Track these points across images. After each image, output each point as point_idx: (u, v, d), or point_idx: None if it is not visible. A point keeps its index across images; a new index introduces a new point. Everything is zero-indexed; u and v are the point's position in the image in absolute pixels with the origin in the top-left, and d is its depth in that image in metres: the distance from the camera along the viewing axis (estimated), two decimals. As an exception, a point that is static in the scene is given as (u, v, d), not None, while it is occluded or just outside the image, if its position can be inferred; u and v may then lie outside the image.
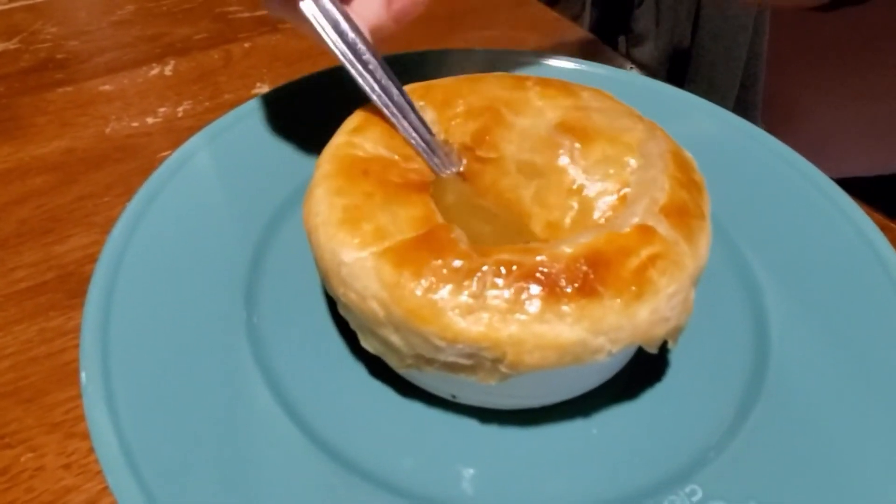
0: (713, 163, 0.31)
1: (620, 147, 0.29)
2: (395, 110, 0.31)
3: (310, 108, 0.42)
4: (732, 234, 0.35)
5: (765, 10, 0.75)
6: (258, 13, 0.58)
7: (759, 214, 0.37)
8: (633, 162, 0.28)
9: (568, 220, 0.28)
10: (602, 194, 0.28)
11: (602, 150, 0.29)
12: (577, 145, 0.29)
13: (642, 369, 0.30)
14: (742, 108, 0.83)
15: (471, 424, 0.28)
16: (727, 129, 0.41)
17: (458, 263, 0.24)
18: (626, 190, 0.28)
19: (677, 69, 0.82)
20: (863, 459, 0.26)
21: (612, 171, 0.28)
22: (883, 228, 0.35)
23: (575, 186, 0.29)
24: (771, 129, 0.41)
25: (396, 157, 0.29)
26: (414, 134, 0.30)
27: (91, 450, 0.28)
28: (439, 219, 0.26)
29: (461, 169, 0.30)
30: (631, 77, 0.47)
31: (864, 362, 0.30)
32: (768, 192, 0.38)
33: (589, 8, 0.84)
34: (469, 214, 0.29)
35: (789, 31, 0.74)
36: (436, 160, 0.30)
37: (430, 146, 0.30)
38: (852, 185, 0.38)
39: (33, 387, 0.31)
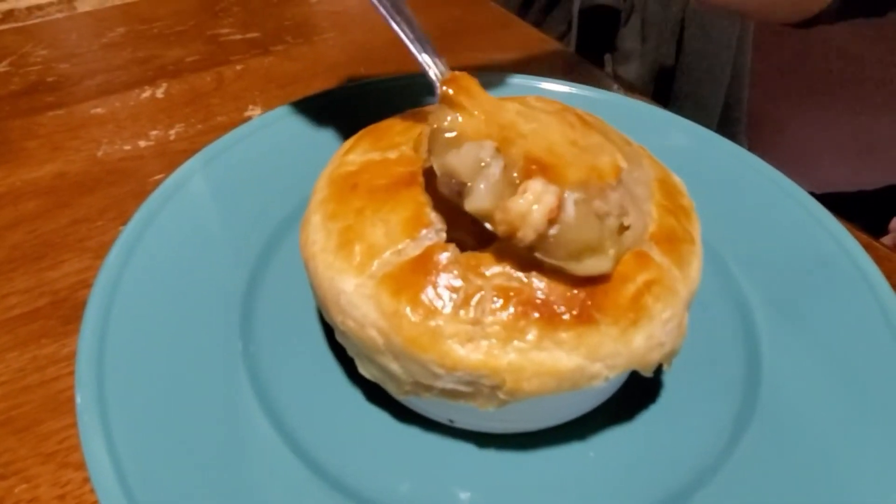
0: (700, 184, 0.32)
1: (613, 149, 0.28)
2: (396, 17, 0.31)
3: (304, 131, 0.42)
4: (720, 254, 0.36)
5: (747, 30, 0.76)
6: (250, 35, 0.58)
7: (745, 234, 0.37)
8: (624, 165, 0.28)
9: (569, 155, 0.26)
10: (600, 157, 0.27)
11: (598, 138, 0.28)
12: (579, 125, 0.28)
13: (637, 392, 0.30)
14: (726, 125, 0.85)
15: (468, 449, 0.28)
16: (713, 151, 0.42)
17: (456, 286, 0.24)
18: (623, 164, 0.27)
19: (662, 87, 0.84)
20: (857, 475, 0.27)
21: (606, 153, 0.27)
22: (867, 247, 0.36)
23: (576, 142, 0.27)
24: (754, 146, 0.42)
25: (382, 155, 0.29)
26: (408, 32, 0.31)
27: (86, 480, 0.28)
28: (429, 213, 0.26)
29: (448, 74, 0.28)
30: (619, 99, 0.47)
31: (853, 378, 0.30)
32: (754, 212, 0.38)
33: (575, 27, 0.86)
34: None
35: (772, 50, 0.75)
36: (429, 59, 0.30)
37: (425, 46, 0.30)
38: (834, 201, 0.39)
39: (26, 416, 0.30)
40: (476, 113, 0.25)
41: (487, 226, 0.25)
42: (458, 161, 0.25)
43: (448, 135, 0.25)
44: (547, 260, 0.24)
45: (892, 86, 0.69)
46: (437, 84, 0.29)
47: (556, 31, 0.85)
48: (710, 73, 0.83)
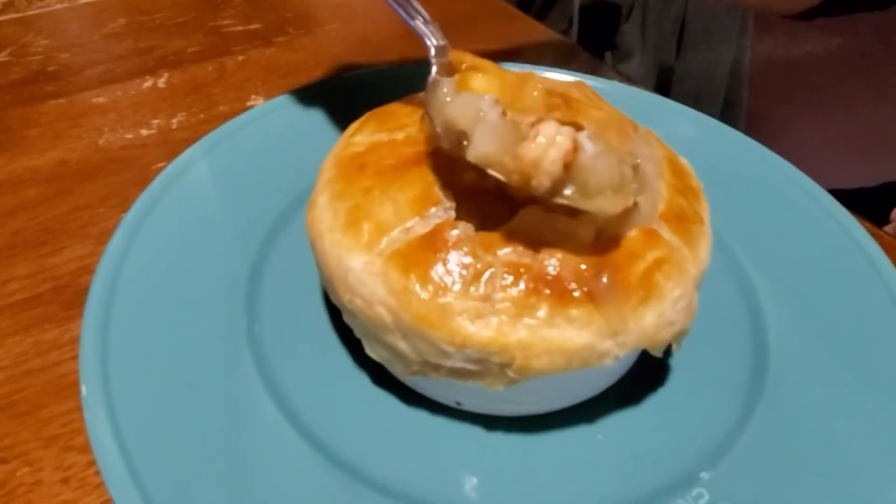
0: (706, 171, 0.32)
1: (620, 129, 0.28)
2: None
3: (305, 119, 0.42)
4: (726, 240, 0.36)
5: (748, 28, 0.77)
6: (251, 27, 0.58)
7: (751, 219, 0.37)
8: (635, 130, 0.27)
9: (587, 102, 0.25)
10: (609, 133, 0.26)
11: (604, 119, 0.27)
12: (591, 94, 0.27)
13: (645, 375, 0.30)
14: (725, 123, 0.85)
15: (475, 431, 0.28)
16: (719, 139, 0.42)
17: (465, 263, 0.24)
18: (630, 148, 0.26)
19: (662, 85, 0.84)
20: (863, 458, 0.27)
21: (614, 135, 0.27)
22: (872, 235, 0.36)
23: (585, 115, 0.26)
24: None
25: (389, 136, 0.29)
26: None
27: (89, 463, 0.28)
28: (438, 191, 0.26)
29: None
30: (624, 89, 0.47)
31: (860, 363, 0.30)
32: (760, 198, 0.38)
33: (575, 24, 0.86)
34: None
35: (772, 49, 0.75)
36: (425, 28, 0.29)
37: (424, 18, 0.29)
38: (834, 197, 0.39)
39: (29, 400, 0.30)
40: (493, 72, 0.25)
41: (493, 173, 0.23)
42: (455, 110, 0.24)
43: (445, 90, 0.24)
44: (565, 202, 0.23)
45: (891, 84, 0.69)
46: (431, 48, 0.28)
47: (556, 28, 0.85)
48: (710, 71, 0.84)
